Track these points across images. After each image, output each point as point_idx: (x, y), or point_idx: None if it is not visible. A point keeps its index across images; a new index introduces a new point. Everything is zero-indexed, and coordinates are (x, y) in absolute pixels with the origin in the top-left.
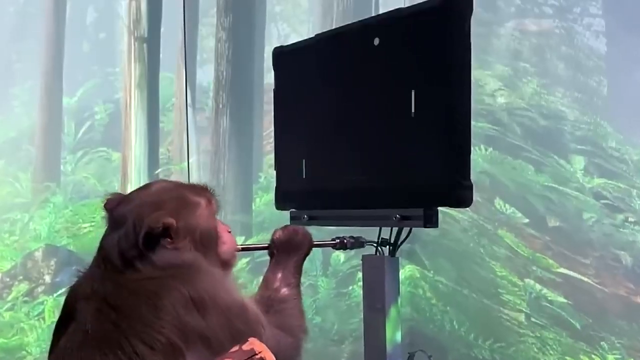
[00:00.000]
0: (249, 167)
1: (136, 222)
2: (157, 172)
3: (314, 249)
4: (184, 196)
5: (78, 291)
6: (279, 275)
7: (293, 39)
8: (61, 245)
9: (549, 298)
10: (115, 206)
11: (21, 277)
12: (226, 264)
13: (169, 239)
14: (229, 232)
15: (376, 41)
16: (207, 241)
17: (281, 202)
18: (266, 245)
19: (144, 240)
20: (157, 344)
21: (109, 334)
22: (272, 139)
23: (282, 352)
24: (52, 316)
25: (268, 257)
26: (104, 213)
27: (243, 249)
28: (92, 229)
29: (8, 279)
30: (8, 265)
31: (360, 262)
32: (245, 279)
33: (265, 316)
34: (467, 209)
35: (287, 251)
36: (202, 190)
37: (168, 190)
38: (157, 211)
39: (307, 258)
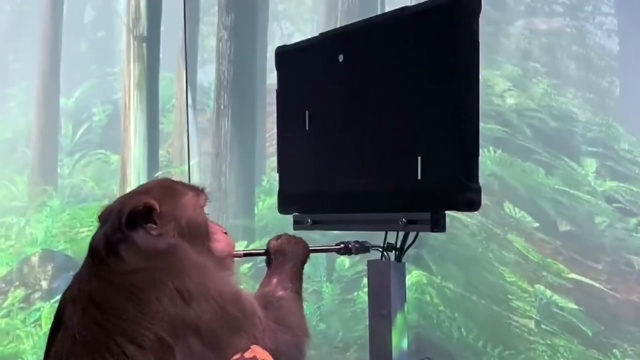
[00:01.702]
0: (251, 170)
1: (121, 208)
2: (156, 174)
3: (318, 254)
4: (171, 186)
5: (66, 294)
6: (275, 280)
7: (296, 38)
8: (58, 250)
9: (560, 304)
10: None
11: (17, 283)
12: (223, 265)
13: (152, 225)
14: (225, 233)
15: (340, 58)
16: (195, 231)
17: (284, 205)
18: (263, 250)
19: (126, 221)
20: (146, 342)
21: (96, 336)
22: (274, 141)
23: (281, 348)
24: (49, 323)
25: None
26: (98, 223)
27: (241, 254)
28: (89, 233)
29: (4, 285)
30: (4, 270)
31: (366, 267)
32: (248, 284)
33: (263, 311)
34: (476, 212)
35: (282, 258)
36: (191, 185)
37: (155, 182)
38: (141, 196)
39: (311, 263)
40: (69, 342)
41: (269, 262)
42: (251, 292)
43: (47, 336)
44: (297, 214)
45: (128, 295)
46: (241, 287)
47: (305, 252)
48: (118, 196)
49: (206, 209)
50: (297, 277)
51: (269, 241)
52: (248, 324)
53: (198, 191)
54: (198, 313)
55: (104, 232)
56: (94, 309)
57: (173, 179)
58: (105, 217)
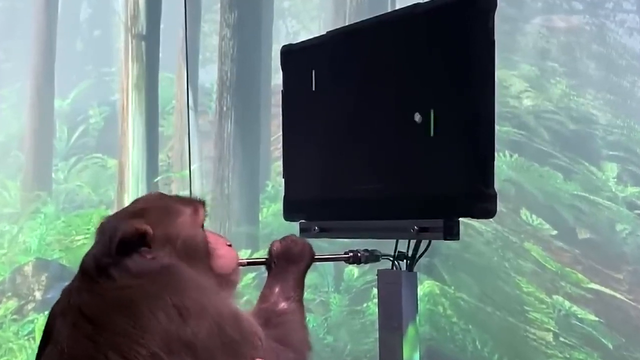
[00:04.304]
0: (255, 175)
1: (112, 232)
2: (156, 180)
3: (325, 263)
4: (166, 205)
5: (55, 308)
6: (277, 289)
7: (303, 36)
8: (53, 259)
9: (579, 316)
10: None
11: (9, 294)
12: (226, 281)
13: (146, 248)
14: (229, 245)
15: None
16: (193, 251)
17: (290, 212)
18: (264, 259)
19: (117, 248)
20: (138, 358)
21: (86, 351)
22: (280, 145)
23: None
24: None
25: None
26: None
27: (245, 263)
28: (85, 241)
29: None
30: None
31: (376, 277)
32: (251, 295)
33: (263, 329)
34: (491, 220)
35: (285, 264)
36: (190, 200)
37: (151, 200)
38: (133, 219)
39: (318, 273)
40: (57, 356)
41: (269, 267)
42: (251, 308)
43: (36, 352)
44: (303, 221)
45: (121, 309)
46: (239, 307)
47: (310, 257)
48: (116, 202)
49: (207, 221)
50: (300, 285)
51: (273, 243)
52: (247, 346)
53: (196, 206)
54: (195, 331)
55: (94, 255)
56: (84, 323)
57: (168, 194)
58: (99, 234)
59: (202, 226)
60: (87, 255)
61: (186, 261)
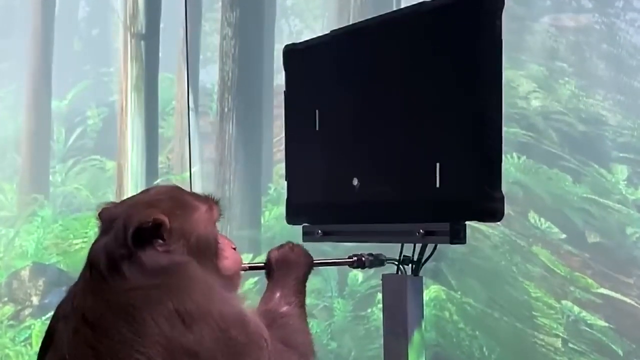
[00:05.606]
0: (257, 178)
1: (126, 220)
2: (155, 182)
3: (329, 267)
4: (183, 198)
5: (59, 311)
6: (278, 294)
7: (306, 35)
8: (50, 263)
9: (589, 321)
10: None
11: (6, 299)
12: (229, 282)
13: (160, 240)
14: (234, 248)
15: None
16: (204, 249)
17: (292, 216)
18: (263, 264)
19: (133, 237)
20: None
21: (86, 359)
22: (282, 146)
23: None
24: (40, 341)
25: None
26: (97, 223)
27: (246, 268)
28: (83, 245)
29: None
30: None
31: (380, 282)
32: (253, 300)
33: (267, 330)
34: (498, 223)
35: (284, 270)
36: (204, 197)
37: (166, 192)
38: (150, 209)
39: (322, 278)
40: None
41: (269, 274)
42: (254, 308)
43: (37, 355)
44: (306, 224)
45: (123, 316)
46: (246, 307)
47: (309, 263)
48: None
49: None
50: (301, 291)
51: (270, 251)
52: (253, 347)
53: (211, 204)
54: (198, 337)
55: (105, 245)
56: (86, 329)
57: (181, 187)
58: (107, 222)
59: (215, 224)
60: (96, 244)
61: (196, 258)
